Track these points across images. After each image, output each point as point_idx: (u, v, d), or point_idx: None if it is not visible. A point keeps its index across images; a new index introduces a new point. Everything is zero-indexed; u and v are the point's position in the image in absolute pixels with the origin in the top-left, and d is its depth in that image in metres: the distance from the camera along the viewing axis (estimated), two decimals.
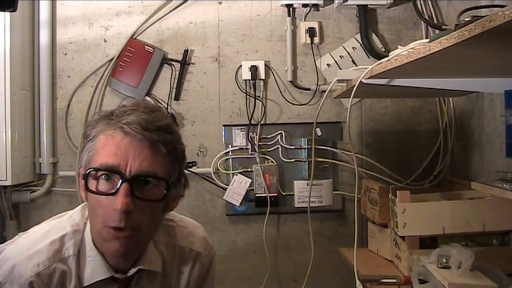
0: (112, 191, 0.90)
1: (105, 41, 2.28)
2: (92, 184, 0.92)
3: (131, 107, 0.95)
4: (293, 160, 2.27)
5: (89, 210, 0.97)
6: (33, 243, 0.97)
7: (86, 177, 0.93)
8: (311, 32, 2.25)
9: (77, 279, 0.96)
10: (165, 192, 0.94)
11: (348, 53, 2.28)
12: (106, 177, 0.91)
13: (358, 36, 2.28)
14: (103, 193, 0.91)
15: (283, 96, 2.29)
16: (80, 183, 0.98)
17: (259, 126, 2.27)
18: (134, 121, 0.91)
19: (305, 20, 2.28)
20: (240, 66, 2.27)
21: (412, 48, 1.20)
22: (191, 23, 2.30)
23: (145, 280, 1.03)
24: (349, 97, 1.50)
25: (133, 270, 0.99)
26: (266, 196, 2.22)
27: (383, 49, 2.27)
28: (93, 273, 0.96)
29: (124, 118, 0.92)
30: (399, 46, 1.39)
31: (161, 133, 0.93)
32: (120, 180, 0.90)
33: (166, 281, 1.09)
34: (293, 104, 2.29)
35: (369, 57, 2.25)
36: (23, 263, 0.93)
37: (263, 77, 2.26)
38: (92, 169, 0.92)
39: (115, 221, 0.89)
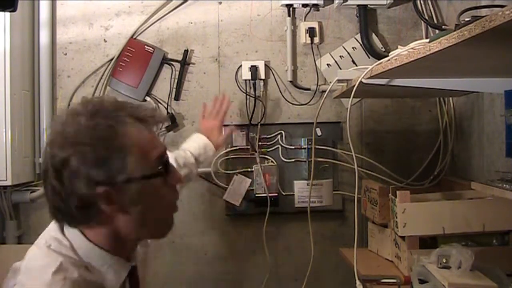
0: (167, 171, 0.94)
1: (105, 41, 2.28)
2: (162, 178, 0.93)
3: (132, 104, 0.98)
4: (293, 160, 2.27)
5: (143, 212, 0.91)
6: (39, 280, 0.86)
7: (162, 170, 0.92)
8: (311, 32, 2.25)
9: None
10: None
11: (348, 53, 2.28)
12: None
13: (358, 36, 2.28)
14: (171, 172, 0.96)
15: (283, 96, 2.29)
16: (114, 199, 0.87)
17: (259, 126, 2.27)
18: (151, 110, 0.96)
19: (305, 20, 2.28)
20: (240, 66, 2.27)
21: (412, 48, 1.20)
22: (191, 23, 2.30)
23: (141, 255, 1.08)
24: (349, 97, 1.50)
25: (139, 248, 1.04)
26: (266, 196, 2.22)
27: (383, 49, 2.27)
28: (118, 273, 0.95)
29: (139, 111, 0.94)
30: (399, 46, 1.39)
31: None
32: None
33: (145, 248, 1.13)
34: (293, 104, 2.29)
35: (369, 57, 2.25)
36: None
37: (263, 77, 2.26)
38: (160, 166, 0.92)
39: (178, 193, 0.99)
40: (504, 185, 1.21)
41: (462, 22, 0.91)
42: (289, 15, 2.26)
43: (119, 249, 0.95)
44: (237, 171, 2.27)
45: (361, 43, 2.27)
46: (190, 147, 1.77)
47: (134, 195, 0.88)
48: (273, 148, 2.28)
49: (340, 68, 2.21)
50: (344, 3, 2.22)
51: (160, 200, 0.93)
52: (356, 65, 2.19)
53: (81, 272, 0.89)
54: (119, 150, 0.86)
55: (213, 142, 1.83)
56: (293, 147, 2.28)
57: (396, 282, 1.58)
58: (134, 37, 2.26)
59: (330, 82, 2.04)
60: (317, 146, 2.18)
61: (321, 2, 2.26)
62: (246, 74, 2.25)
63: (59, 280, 0.84)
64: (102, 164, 0.84)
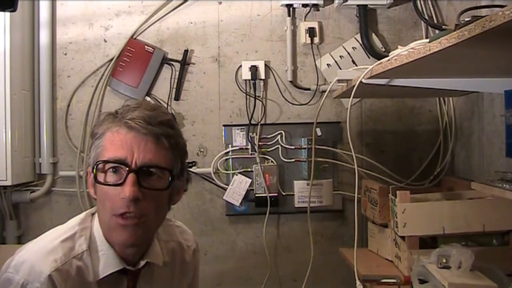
0: (120, 181, 0.94)
1: (105, 41, 2.28)
2: (100, 177, 0.98)
3: (134, 105, 1.01)
4: (293, 160, 2.27)
5: (98, 204, 1.01)
6: (46, 244, 0.99)
7: (95, 170, 0.97)
8: (311, 32, 2.25)
9: (92, 274, 0.99)
10: (169, 181, 0.98)
11: (348, 53, 2.28)
12: (114, 170, 0.96)
13: (358, 36, 2.28)
14: (111, 184, 0.96)
15: (283, 96, 2.29)
16: (89, 180, 1.02)
17: (259, 126, 2.27)
18: (138, 117, 0.97)
19: (305, 20, 2.28)
20: (240, 66, 2.27)
21: (412, 48, 1.20)
22: (191, 23, 2.30)
23: (152, 273, 1.07)
24: (349, 97, 1.50)
25: (142, 262, 1.04)
26: (266, 196, 2.22)
27: (383, 49, 2.27)
28: (106, 266, 0.99)
29: (128, 115, 0.98)
30: (399, 46, 1.39)
31: (163, 127, 0.98)
32: (127, 171, 0.94)
33: (170, 274, 1.14)
34: (293, 104, 2.29)
35: (369, 57, 2.25)
36: (40, 261, 0.95)
37: (263, 77, 2.26)
38: (100, 162, 0.97)
39: (123, 208, 0.93)
40: (504, 185, 1.21)
41: (462, 22, 0.91)
42: (289, 15, 2.26)
43: (110, 237, 0.99)
44: (237, 171, 2.27)
45: (361, 43, 2.27)
46: None
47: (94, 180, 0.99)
48: (273, 148, 2.28)
49: (340, 68, 2.21)
50: (344, 3, 2.22)
51: (100, 193, 0.98)
52: (356, 65, 2.19)
53: (87, 246, 0.99)
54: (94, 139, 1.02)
55: None
56: (293, 147, 2.27)
57: (396, 282, 1.58)
58: (134, 37, 2.26)
59: (330, 82, 2.04)
60: (317, 146, 2.18)
61: (321, 2, 2.26)
62: (246, 74, 2.25)
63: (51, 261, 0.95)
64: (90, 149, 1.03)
